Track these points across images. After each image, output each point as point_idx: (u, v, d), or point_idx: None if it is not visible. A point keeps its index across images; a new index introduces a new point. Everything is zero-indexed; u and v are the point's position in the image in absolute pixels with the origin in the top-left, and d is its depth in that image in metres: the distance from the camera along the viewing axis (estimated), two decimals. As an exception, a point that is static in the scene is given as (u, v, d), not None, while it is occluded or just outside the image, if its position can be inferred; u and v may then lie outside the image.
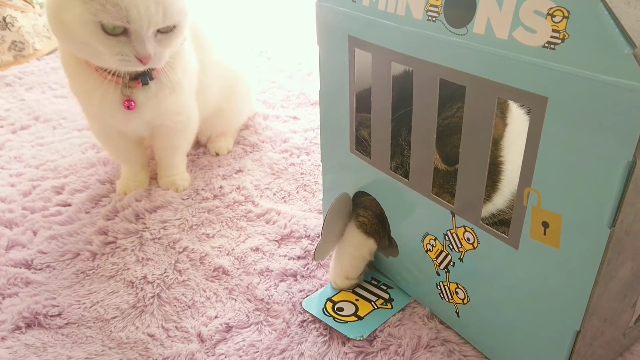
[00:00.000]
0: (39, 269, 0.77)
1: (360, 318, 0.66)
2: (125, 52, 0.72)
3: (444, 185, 0.59)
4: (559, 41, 0.40)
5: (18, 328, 0.67)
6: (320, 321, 0.67)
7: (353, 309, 0.68)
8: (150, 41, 0.73)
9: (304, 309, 0.68)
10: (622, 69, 0.37)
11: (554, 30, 0.41)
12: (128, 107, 0.80)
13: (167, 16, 0.72)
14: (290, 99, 1.37)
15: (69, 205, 0.92)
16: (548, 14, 0.41)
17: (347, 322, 0.66)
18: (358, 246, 0.71)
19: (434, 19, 0.50)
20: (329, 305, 0.68)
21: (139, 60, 0.72)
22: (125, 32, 0.71)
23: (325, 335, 0.65)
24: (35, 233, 0.85)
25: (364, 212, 0.72)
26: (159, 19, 0.72)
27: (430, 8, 0.50)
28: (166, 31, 0.75)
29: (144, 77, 0.80)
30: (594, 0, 0.38)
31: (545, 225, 0.47)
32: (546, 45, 0.41)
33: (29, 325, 0.67)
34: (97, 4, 0.68)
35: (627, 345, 0.61)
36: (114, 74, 0.77)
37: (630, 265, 0.48)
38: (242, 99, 1.11)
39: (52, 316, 0.69)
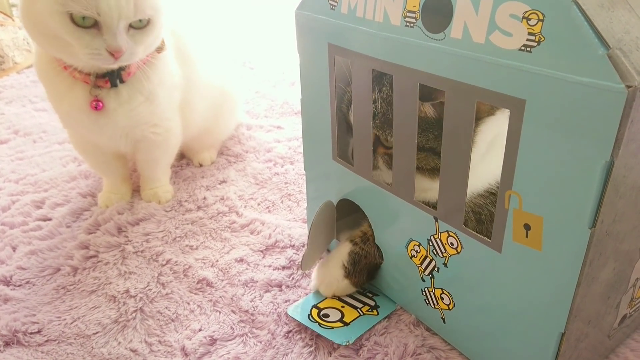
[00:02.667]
0: (18, 285, 0.75)
1: (346, 324, 0.66)
2: (95, 46, 0.70)
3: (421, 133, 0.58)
4: (534, 44, 0.41)
5: (-4, 346, 0.65)
6: (305, 331, 0.66)
7: (339, 315, 0.67)
8: (122, 35, 0.71)
9: (289, 318, 0.67)
10: (597, 70, 0.37)
11: (529, 33, 0.41)
12: (95, 107, 0.78)
13: (138, 9, 0.71)
14: (273, 109, 1.37)
15: (50, 219, 0.90)
16: (523, 17, 0.41)
17: (333, 328, 0.65)
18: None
19: (411, 24, 0.51)
20: (315, 311, 0.68)
21: (110, 54, 0.71)
22: (96, 24, 0.69)
23: (311, 346, 0.64)
24: (14, 249, 0.83)
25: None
26: (130, 12, 0.70)
27: (408, 14, 0.51)
28: (139, 27, 0.73)
29: (112, 77, 0.78)
30: (568, 3, 0.38)
31: (527, 227, 0.47)
32: (522, 48, 0.41)
33: (7, 344, 0.66)
34: None
35: (612, 347, 0.61)
36: (82, 73, 0.76)
37: (612, 266, 0.48)
38: (229, 114, 1.10)
39: (31, 333, 0.67)
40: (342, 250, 0.71)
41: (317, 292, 0.72)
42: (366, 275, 0.70)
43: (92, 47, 0.70)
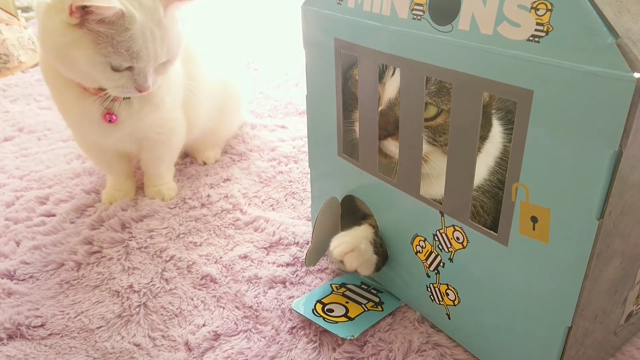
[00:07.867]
0: (22, 280, 0.75)
1: (350, 319, 0.65)
2: (125, 84, 0.74)
3: None
4: (543, 34, 0.41)
5: (-1, 339, 0.65)
6: (310, 327, 0.65)
7: (343, 310, 0.67)
8: (151, 74, 0.75)
9: (293, 314, 0.67)
10: (606, 58, 0.37)
11: (538, 24, 0.41)
12: (110, 120, 0.79)
13: (169, 52, 0.76)
14: (278, 109, 1.37)
15: (54, 215, 0.90)
16: (532, 8, 0.41)
17: (337, 322, 0.65)
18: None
19: (419, 17, 0.51)
20: (319, 306, 0.67)
21: (137, 90, 0.75)
22: (129, 67, 0.73)
23: (315, 342, 0.64)
24: (18, 243, 0.83)
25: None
26: (162, 57, 0.75)
27: (415, 7, 0.51)
28: (163, 62, 0.77)
29: None
30: (577, -8, 0.38)
31: (534, 220, 0.46)
32: (531, 38, 0.41)
33: (10, 337, 0.65)
34: (110, 47, 0.69)
35: (618, 345, 0.60)
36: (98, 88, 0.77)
37: (620, 260, 0.47)
38: (233, 113, 1.10)
39: (35, 327, 0.67)
40: (368, 231, 0.69)
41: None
42: (382, 262, 0.69)
43: (122, 85, 0.74)
